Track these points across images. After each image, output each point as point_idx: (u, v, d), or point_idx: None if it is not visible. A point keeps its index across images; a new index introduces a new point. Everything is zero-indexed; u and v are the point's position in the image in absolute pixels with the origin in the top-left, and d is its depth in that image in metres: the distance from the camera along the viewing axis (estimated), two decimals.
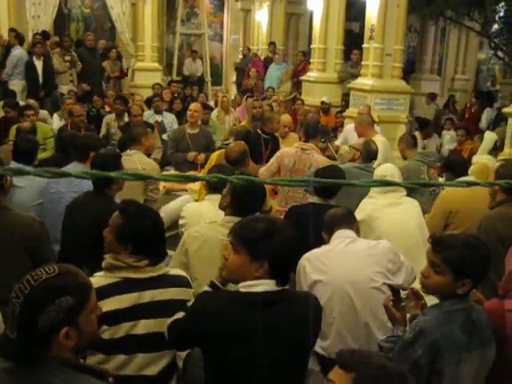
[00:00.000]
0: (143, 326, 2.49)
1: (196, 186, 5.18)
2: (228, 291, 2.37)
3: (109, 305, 2.40)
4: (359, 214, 3.95)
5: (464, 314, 2.30)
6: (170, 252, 3.93)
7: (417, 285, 3.06)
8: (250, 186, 3.29)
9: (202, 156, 6.27)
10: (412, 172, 5.31)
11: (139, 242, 2.54)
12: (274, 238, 2.18)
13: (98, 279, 2.46)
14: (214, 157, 5.50)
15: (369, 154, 5.18)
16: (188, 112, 6.71)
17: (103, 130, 7.44)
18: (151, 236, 2.58)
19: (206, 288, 2.45)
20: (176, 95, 10.61)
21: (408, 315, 2.53)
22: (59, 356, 1.72)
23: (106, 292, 2.41)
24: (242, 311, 2.17)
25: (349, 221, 3.31)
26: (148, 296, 2.51)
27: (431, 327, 2.25)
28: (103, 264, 2.55)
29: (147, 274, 2.52)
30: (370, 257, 3.13)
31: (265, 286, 2.18)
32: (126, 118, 7.45)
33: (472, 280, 2.28)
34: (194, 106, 6.89)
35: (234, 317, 2.17)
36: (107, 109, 9.11)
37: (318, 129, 6.05)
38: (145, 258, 2.53)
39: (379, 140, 6.02)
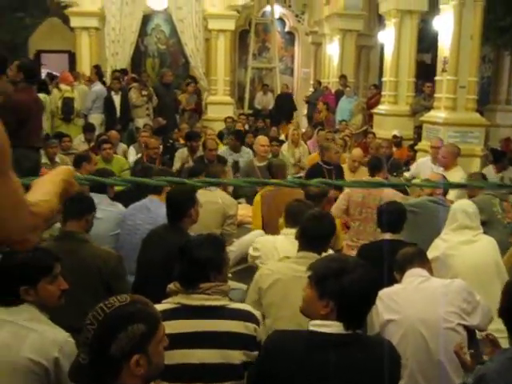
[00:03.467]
0: (199, 356, 2.48)
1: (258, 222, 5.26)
2: (299, 331, 2.37)
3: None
4: (433, 252, 3.88)
5: None
6: (241, 285, 4.00)
7: (494, 325, 2.99)
8: (318, 217, 3.34)
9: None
10: (483, 205, 5.16)
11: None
12: (343, 278, 2.16)
13: (159, 305, 2.48)
14: (258, 197, 5.45)
15: (446, 189, 5.10)
16: (257, 146, 6.81)
17: (177, 165, 7.56)
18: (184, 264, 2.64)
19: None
20: (248, 128, 10.77)
21: None
22: None
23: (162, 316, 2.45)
24: (313, 352, 2.15)
25: (421, 259, 3.26)
26: (203, 325, 2.51)
27: (493, 373, 2.15)
28: (167, 290, 2.63)
29: (198, 301, 2.54)
30: (444, 296, 3.06)
31: (333, 327, 2.15)
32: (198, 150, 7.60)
33: None
34: (262, 140, 6.99)
35: (304, 357, 2.15)
36: (181, 141, 9.32)
37: (384, 162, 6.01)
38: (180, 285, 2.58)
39: (459, 173, 5.93)
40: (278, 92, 14.28)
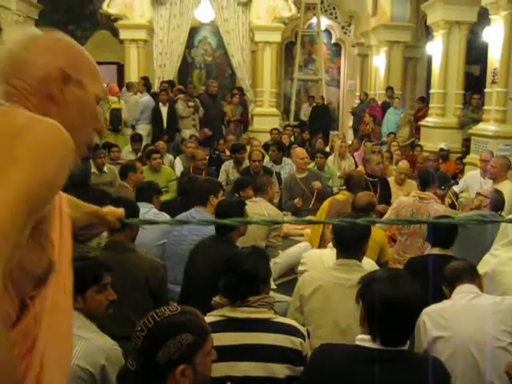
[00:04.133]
0: (243, 369, 2.48)
1: (312, 231, 5.22)
2: (345, 345, 2.35)
3: None
4: (482, 268, 3.79)
5: None
6: (286, 297, 3.99)
7: None
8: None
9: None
10: None
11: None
12: (373, 285, 2.21)
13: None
14: (326, 204, 5.52)
15: (497, 203, 4.99)
16: (295, 160, 6.87)
17: (222, 177, 7.61)
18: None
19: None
20: (293, 140, 10.77)
21: None
22: None
23: None
24: (355, 367, 2.14)
25: (471, 275, 3.19)
26: (248, 338, 2.51)
27: None
28: (212, 302, 2.65)
29: (245, 314, 2.55)
30: (495, 314, 2.97)
31: (378, 342, 2.14)
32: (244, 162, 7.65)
33: None
34: (300, 153, 7.03)
35: (347, 372, 2.15)
36: (227, 153, 9.38)
37: (435, 176, 5.93)
38: (227, 297, 2.60)
39: (509, 187, 5.81)
40: (325, 104, 14.25)
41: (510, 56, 8.22)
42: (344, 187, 6.96)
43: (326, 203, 5.54)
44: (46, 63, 1.37)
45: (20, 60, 1.36)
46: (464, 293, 3.07)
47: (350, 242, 3.27)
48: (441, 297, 3.19)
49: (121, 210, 2.40)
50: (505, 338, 2.91)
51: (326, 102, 14.39)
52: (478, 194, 5.33)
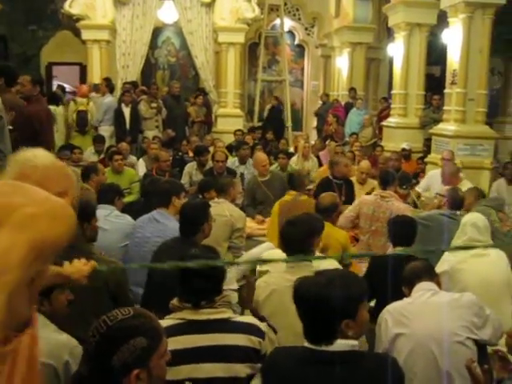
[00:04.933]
0: (206, 370, 2.47)
1: (274, 231, 5.24)
2: (296, 347, 2.35)
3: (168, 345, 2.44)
4: (442, 266, 3.87)
5: None
6: None
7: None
8: (292, 222, 3.45)
9: (258, 218, 6.44)
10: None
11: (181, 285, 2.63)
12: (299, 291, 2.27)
13: (162, 321, 2.47)
14: (276, 207, 5.56)
15: (455, 202, 5.09)
16: (257, 166, 6.92)
17: (185, 179, 7.59)
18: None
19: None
20: (257, 141, 10.79)
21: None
22: None
23: (166, 333, 2.45)
24: (302, 368, 2.17)
25: (430, 273, 3.25)
26: (209, 339, 2.51)
27: None
28: (169, 306, 2.63)
29: (204, 316, 2.54)
30: (454, 310, 3.03)
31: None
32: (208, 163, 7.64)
33: None
34: (261, 159, 7.04)
35: (294, 374, 2.18)
36: (190, 154, 9.34)
37: (395, 176, 6.01)
38: (189, 301, 2.58)
39: (467, 186, 5.91)
40: (288, 104, 14.30)
41: (469, 57, 8.40)
42: (308, 188, 7.04)
43: (276, 206, 5.57)
44: None
45: None
46: (423, 290, 3.12)
47: (296, 243, 3.28)
48: (402, 294, 3.23)
49: (86, 268, 2.49)
50: (463, 333, 2.96)
51: (281, 103, 14.29)
52: (438, 194, 5.43)
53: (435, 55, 11.87)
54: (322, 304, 2.14)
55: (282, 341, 2.87)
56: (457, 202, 5.09)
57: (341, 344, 2.14)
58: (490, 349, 3.03)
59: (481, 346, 2.99)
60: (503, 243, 4.72)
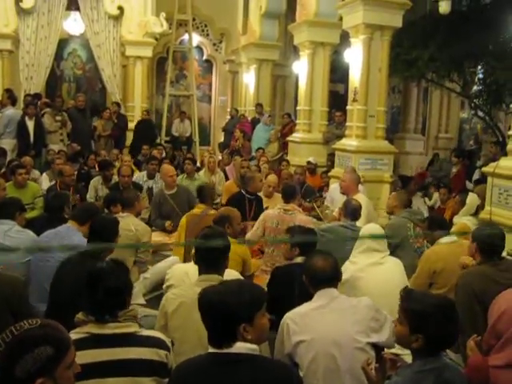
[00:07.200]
0: None
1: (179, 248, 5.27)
2: (200, 355, 2.41)
3: None
4: (343, 275, 4.01)
5: (436, 374, 2.34)
6: (155, 312, 4.00)
7: None
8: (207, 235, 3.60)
9: (168, 223, 6.49)
10: (398, 229, 5.38)
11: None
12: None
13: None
14: (183, 221, 5.60)
15: (348, 210, 5.25)
16: (164, 177, 6.92)
17: (91, 193, 7.50)
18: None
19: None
20: (164, 155, 10.76)
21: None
22: None
23: None
24: (202, 373, 2.27)
25: (331, 280, 3.35)
26: (114, 353, 2.51)
27: None
28: (75, 320, 2.61)
29: (109, 330, 2.55)
30: (353, 316, 3.15)
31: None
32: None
33: (425, 337, 2.35)
34: (168, 170, 7.05)
35: (197, 379, 2.28)
36: (97, 168, 9.21)
37: (297, 190, 6.15)
38: (92, 315, 2.58)
39: (362, 199, 6.13)
40: (196, 119, 14.35)
41: (369, 76, 8.76)
42: (215, 201, 7.10)
43: (183, 219, 5.60)
44: None
45: None
46: (324, 296, 3.22)
47: (210, 258, 3.35)
48: (304, 302, 3.33)
49: None
50: (362, 339, 3.08)
51: (150, 117, 13.49)
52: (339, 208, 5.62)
53: (339, 73, 12.26)
54: (220, 309, 2.29)
55: (191, 353, 2.88)
56: (350, 210, 5.25)
57: (240, 347, 2.26)
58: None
59: (378, 348, 3.12)
60: None
